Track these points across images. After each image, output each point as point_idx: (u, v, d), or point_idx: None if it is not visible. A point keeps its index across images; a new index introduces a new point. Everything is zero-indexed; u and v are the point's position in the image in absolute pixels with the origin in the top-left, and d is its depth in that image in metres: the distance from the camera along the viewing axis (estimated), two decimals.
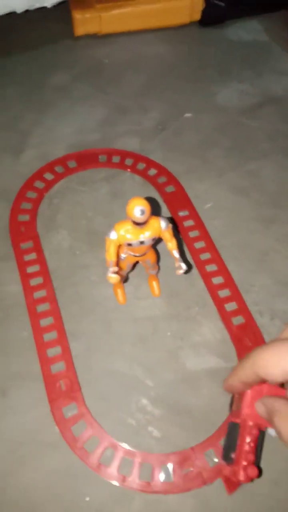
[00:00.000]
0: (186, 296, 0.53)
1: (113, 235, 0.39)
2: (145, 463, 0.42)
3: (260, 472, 0.34)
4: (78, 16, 0.83)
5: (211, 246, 0.57)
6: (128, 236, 0.39)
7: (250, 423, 0.33)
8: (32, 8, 0.72)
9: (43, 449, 0.42)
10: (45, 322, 0.50)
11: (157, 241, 0.41)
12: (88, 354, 0.48)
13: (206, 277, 0.54)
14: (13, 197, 0.61)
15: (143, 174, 0.65)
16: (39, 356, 0.47)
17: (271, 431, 0.34)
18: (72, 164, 0.66)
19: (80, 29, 0.86)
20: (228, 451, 0.35)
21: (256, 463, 0.35)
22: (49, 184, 0.64)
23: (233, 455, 0.35)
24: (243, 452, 0.34)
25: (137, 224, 0.37)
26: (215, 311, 0.52)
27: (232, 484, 0.40)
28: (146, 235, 0.39)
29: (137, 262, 0.47)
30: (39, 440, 0.43)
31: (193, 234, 0.58)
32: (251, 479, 0.34)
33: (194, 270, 0.55)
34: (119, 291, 0.52)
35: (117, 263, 0.40)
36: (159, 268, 0.52)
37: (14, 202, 0.61)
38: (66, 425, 0.44)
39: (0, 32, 0.87)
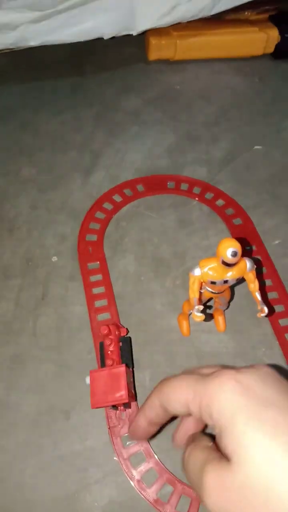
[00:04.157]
0: (251, 335, 0.52)
1: (197, 272, 0.39)
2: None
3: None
4: (154, 41, 0.85)
5: (279, 284, 0.56)
6: (212, 273, 0.39)
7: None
8: (119, 35, 0.74)
9: (101, 477, 0.42)
10: None
11: (240, 281, 0.41)
12: (151, 385, 0.48)
13: (273, 317, 0.53)
14: (82, 217, 0.62)
15: (211, 204, 0.65)
16: None
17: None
18: (140, 188, 0.67)
19: (154, 54, 0.87)
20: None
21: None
22: (118, 206, 0.64)
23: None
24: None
25: (226, 264, 0.36)
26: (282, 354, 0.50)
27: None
28: (230, 275, 0.39)
29: (211, 298, 0.46)
30: (99, 467, 0.43)
31: (259, 270, 0.57)
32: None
33: None
34: (184, 323, 0.51)
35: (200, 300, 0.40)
36: (229, 305, 0.51)
37: (84, 221, 0.62)
38: (124, 455, 0.43)
39: (78, 55, 0.90)
